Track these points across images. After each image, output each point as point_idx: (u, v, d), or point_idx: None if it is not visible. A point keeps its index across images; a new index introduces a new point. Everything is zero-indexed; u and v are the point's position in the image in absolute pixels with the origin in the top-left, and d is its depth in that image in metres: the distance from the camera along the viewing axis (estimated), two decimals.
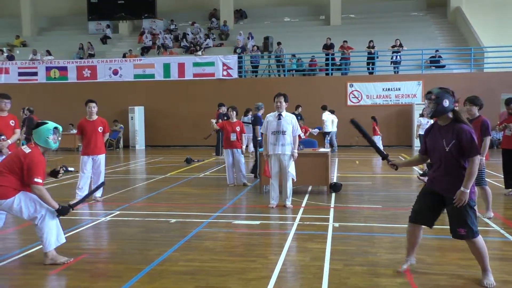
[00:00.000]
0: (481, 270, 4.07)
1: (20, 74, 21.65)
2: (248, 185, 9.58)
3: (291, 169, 7.37)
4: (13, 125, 7.60)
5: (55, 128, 4.76)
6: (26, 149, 4.61)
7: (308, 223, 6.43)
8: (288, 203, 7.42)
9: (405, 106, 19.11)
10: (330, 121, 17.24)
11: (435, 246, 5.30)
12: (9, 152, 7.36)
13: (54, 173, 5.01)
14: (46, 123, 4.78)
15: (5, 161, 4.68)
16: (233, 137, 9.68)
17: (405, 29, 22.14)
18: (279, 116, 7.34)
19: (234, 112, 9.95)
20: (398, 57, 19.98)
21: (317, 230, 6.01)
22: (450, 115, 4.00)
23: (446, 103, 3.93)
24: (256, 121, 10.29)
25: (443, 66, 19.92)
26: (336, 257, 4.84)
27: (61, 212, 4.72)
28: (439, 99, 3.93)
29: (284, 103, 7.34)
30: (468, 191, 3.84)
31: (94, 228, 6.38)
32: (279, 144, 7.29)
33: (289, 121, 7.34)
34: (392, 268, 4.48)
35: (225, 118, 16.13)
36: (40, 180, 4.52)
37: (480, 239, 3.97)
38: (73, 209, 4.93)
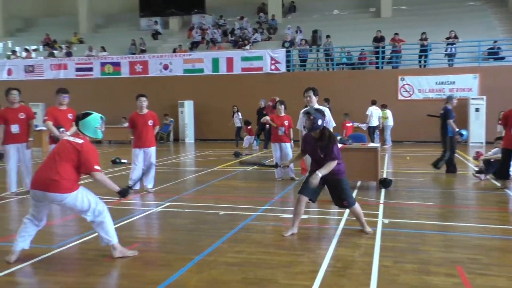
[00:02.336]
0: (360, 225, 5.53)
1: (77, 69, 22.57)
2: (296, 180, 9.55)
3: None
4: (71, 118, 7.94)
5: (101, 117, 4.80)
6: (78, 140, 4.58)
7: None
8: (355, 205, 7.27)
9: (460, 100, 18.28)
10: (376, 116, 16.90)
11: (493, 247, 5.09)
12: None
13: (123, 192, 4.84)
14: (92, 113, 4.76)
15: (59, 153, 4.54)
16: (281, 131, 9.66)
17: (461, 20, 21.24)
18: None
19: (283, 106, 9.92)
20: (453, 49, 19.22)
21: None
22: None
23: (319, 122, 5.22)
24: None
25: (502, 58, 18.95)
26: (386, 253, 4.75)
27: (123, 193, 4.75)
28: (315, 119, 5.20)
29: (314, 97, 7.19)
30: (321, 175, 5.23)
31: (146, 218, 6.57)
32: None
33: None
34: (444, 267, 4.35)
35: (264, 112, 16.18)
36: (99, 167, 4.59)
37: (357, 206, 5.49)
38: (131, 190, 4.90)
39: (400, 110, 18.31)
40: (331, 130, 7.22)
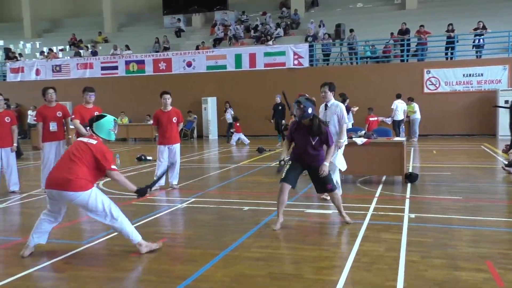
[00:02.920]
0: (339, 214, 5.76)
1: (102, 68, 22.94)
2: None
3: (338, 160, 7.10)
4: None
5: (114, 119, 4.91)
6: (92, 141, 4.68)
7: (382, 213, 6.27)
8: (337, 189, 7.21)
9: (488, 92, 17.96)
10: (401, 110, 16.65)
11: None
12: None
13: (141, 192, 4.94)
14: (105, 115, 4.87)
15: (74, 153, 4.61)
16: None
17: (489, 10, 20.71)
18: (325, 106, 7.16)
19: None
20: (481, 40, 18.75)
21: (391, 221, 5.85)
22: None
23: (310, 110, 5.42)
24: None
25: None
26: (413, 248, 4.69)
27: (140, 193, 4.83)
28: (305, 107, 5.39)
29: (329, 93, 7.04)
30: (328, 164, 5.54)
31: (171, 214, 6.65)
32: None
33: (334, 110, 7.02)
34: (473, 263, 4.27)
35: (279, 108, 16.09)
36: (115, 167, 4.70)
37: (338, 192, 5.77)
38: (150, 190, 5.02)
39: (426, 104, 18.01)
40: (346, 127, 7.16)
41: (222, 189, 8.51)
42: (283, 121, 16.03)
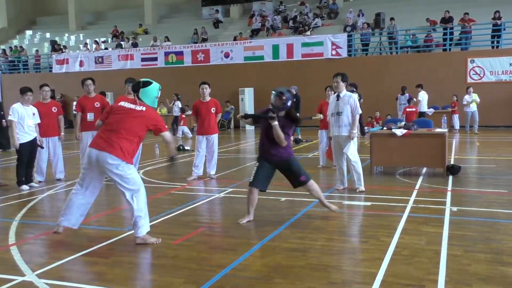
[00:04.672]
0: (322, 205, 5.66)
1: (142, 59, 23.38)
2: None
3: (351, 151, 6.99)
4: None
5: (159, 88, 4.94)
6: (139, 107, 4.71)
7: (422, 206, 6.14)
8: (360, 187, 7.06)
9: None
10: (426, 100, 16.27)
11: None
12: None
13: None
14: (152, 82, 4.85)
15: (124, 124, 4.65)
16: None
17: None
18: (337, 97, 7.04)
19: (332, 92, 9.66)
20: None
21: (432, 214, 5.73)
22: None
23: (289, 103, 5.39)
24: None
25: None
26: (455, 242, 4.58)
27: (173, 159, 5.11)
28: (287, 99, 5.36)
29: (341, 83, 6.94)
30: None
31: (210, 203, 6.74)
32: (336, 125, 7.04)
33: (347, 101, 6.94)
34: None
35: (294, 100, 15.58)
36: (167, 127, 4.88)
37: (313, 182, 5.58)
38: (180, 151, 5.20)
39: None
40: (358, 118, 7.07)
41: None
42: (297, 114, 15.51)
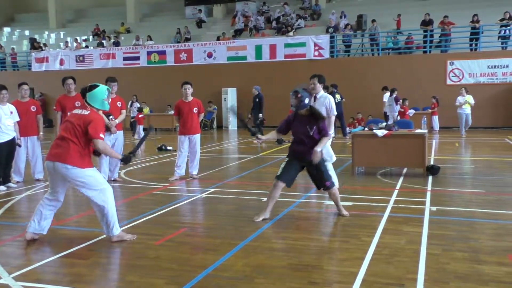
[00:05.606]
0: (337, 209, 5.74)
1: (124, 58, 23.15)
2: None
3: (328, 152, 6.98)
4: (119, 106, 8.19)
5: (108, 89, 4.91)
6: (85, 111, 4.71)
7: (402, 205, 6.22)
8: (335, 186, 7.13)
9: None
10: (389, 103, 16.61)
11: None
12: (117, 131, 7.98)
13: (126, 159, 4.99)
14: (99, 85, 4.84)
15: (66, 129, 4.68)
16: None
17: None
18: (314, 98, 7.09)
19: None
20: (507, 31, 18.31)
21: (412, 213, 5.80)
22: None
23: (306, 100, 5.40)
24: None
25: None
26: (434, 241, 4.65)
27: (125, 160, 4.92)
28: (303, 97, 5.36)
29: (318, 84, 6.98)
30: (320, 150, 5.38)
31: (192, 204, 6.71)
32: None
33: (322, 102, 6.97)
34: (496, 256, 4.21)
35: (256, 100, 15.14)
36: (103, 136, 4.72)
37: (336, 188, 5.71)
38: (134, 156, 5.01)
39: (449, 96, 17.67)
40: (333, 119, 7.12)
41: (241, 179, 8.55)
42: (260, 114, 15.33)
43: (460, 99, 15.65)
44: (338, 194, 5.75)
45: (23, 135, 8.20)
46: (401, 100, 15.47)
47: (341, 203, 5.79)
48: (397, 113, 15.47)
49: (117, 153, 4.91)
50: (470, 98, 15.64)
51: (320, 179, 5.59)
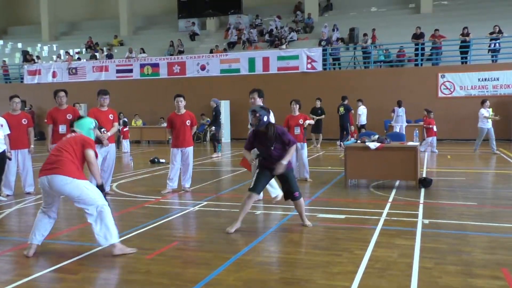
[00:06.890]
0: (301, 219, 5.88)
1: (117, 71, 23.16)
2: (310, 181, 9.35)
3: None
4: (111, 119, 8.17)
5: (95, 122, 5.22)
6: (74, 134, 4.96)
7: (395, 218, 6.22)
8: (273, 195, 7.22)
9: (504, 97, 17.78)
10: (365, 115, 17.15)
11: None
12: (109, 144, 7.95)
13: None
14: (86, 117, 5.26)
15: (60, 149, 4.78)
16: (296, 130, 9.38)
17: (505, 14, 20.47)
18: None
19: (297, 105, 9.66)
20: (497, 44, 18.55)
21: (405, 226, 5.80)
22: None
23: (265, 118, 5.53)
24: None
25: None
26: (426, 254, 4.64)
27: (100, 188, 4.92)
28: (261, 116, 5.50)
29: (258, 99, 7.02)
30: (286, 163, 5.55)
31: (184, 217, 6.67)
32: None
33: None
34: (489, 270, 4.21)
35: (213, 113, 14.96)
36: (95, 151, 4.87)
37: (302, 199, 5.86)
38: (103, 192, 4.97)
39: (441, 108, 17.85)
40: None
41: (234, 192, 8.52)
42: (213, 127, 15.22)
43: (483, 112, 13.84)
44: (303, 204, 5.91)
45: (14, 148, 8.14)
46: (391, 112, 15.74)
47: (334, 216, 5.78)
48: (404, 124, 15.87)
49: (99, 176, 4.98)
50: (492, 112, 14.38)
51: (289, 190, 5.77)
